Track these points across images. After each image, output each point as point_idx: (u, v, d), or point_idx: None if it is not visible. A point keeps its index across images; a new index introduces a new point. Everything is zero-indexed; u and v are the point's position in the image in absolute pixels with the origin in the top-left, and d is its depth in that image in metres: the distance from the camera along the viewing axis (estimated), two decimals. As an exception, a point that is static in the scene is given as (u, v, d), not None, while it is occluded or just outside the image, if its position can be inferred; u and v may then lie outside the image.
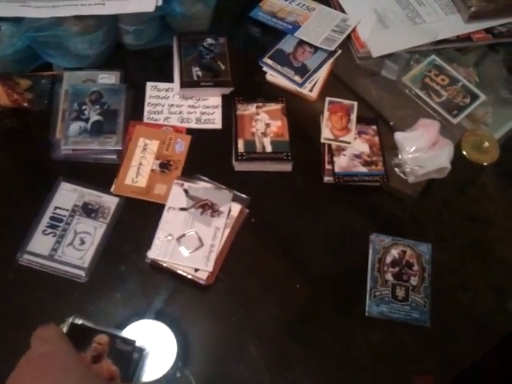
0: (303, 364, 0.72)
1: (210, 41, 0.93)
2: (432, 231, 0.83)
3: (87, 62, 0.88)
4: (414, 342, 0.74)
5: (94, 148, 0.81)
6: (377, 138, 0.87)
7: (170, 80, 0.91)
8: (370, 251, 0.78)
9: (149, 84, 0.90)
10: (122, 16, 0.85)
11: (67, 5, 0.83)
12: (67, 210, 0.77)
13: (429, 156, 0.85)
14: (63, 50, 0.85)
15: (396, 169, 0.86)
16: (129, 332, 0.69)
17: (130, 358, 0.66)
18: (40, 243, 0.75)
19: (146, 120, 0.87)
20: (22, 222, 0.76)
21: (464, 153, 0.89)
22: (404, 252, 0.78)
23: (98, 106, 0.84)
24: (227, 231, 0.77)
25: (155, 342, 0.69)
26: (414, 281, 0.76)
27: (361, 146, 0.87)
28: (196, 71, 0.90)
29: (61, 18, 0.82)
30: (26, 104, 0.84)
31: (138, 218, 0.79)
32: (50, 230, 0.76)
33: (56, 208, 0.77)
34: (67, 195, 0.78)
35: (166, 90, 0.90)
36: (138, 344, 0.67)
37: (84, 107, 0.84)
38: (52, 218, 0.76)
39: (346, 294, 0.77)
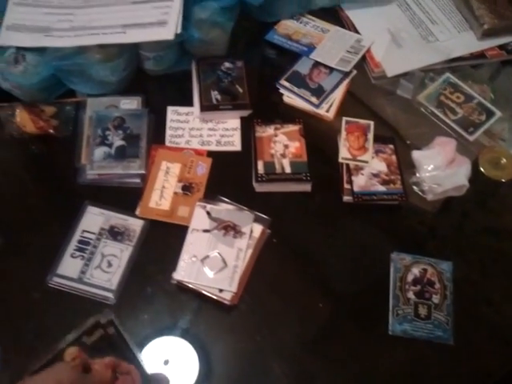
0: (326, 381, 0.73)
1: (227, 65, 0.95)
2: (453, 246, 0.84)
3: (110, 88, 0.91)
4: (438, 359, 0.75)
5: (118, 172, 0.84)
6: (394, 157, 0.89)
7: (190, 104, 0.93)
8: (392, 270, 0.79)
9: (169, 108, 0.92)
10: (142, 43, 0.88)
11: (89, 34, 0.86)
12: (94, 234, 0.79)
13: (446, 174, 0.86)
14: (86, 78, 0.88)
15: (414, 187, 0.87)
16: (152, 348, 0.70)
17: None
18: (69, 266, 0.77)
19: (167, 143, 0.89)
20: (50, 246, 0.79)
21: (482, 169, 0.90)
22: (425, 270, 0.79)
23: (121, 131, 0.86)
24: (250, 252, 0.79)
25: (178, 359, 0.70)
26: (435, 299, 0.77)
27: (378, 164, 0.88)
28: (215, 95, 0.92)
29: (83, 46, 0.85)
30: (51, 130, 0.87)
31: (163, 240, 0.81)
32: (78, 253, 0.78)
33: (83, 231, 0.79)
34: (94, 219, 0.81)
35: (187, 114, 0.92)
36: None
37: (107, 132, 0.86)
38: (80, 242, 0.79)
39: (367, 311, 0.78)
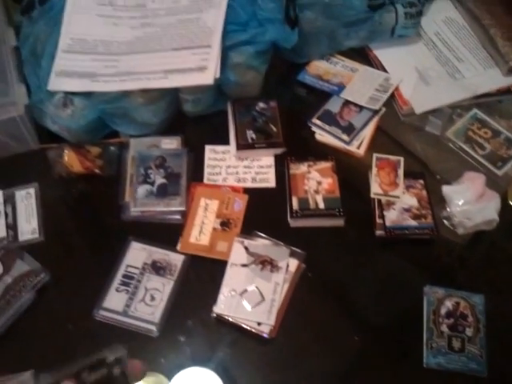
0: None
1: (261, 105, 1.00)
2: (484, 279, 0.86)
3: (151, 129, 0.96)
4: (473, 392, 0.76)
5: (160, 209, 0.88)
6: (424, 192, 0.91)
7: (227, 142, 0.97)
8: (425, 303, 0.81)
9: (207, 147, 0.97)
10: (182, 87, 0.93)
11: (133, 79, 0.91)
12: (138, 268, 0.84)
13: (476, 208, 0.88)
14: (130, 119, 0.93)
15: (445, 221, 0.90)
16: (182, 377, 0.72)
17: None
18: (114, 300, 0.81)
19: (206, 181, 0.93)
20: (96, 280, 0.83)
21: (511, 203, 0.92)
22: (458, 304, 0.81)
23: (162, 170, 0.91)
24: (286, 286, 0.82)
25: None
26: (469, 332, 0.79)
27: (409, 199, 0.91)
28: (250, 134, 0.96)
29: (127, 90, 0.90)
30: (97, 170, 0.92)
31: (203, 275, 0.84)
32: (122, 288, 0.82)
33: (128, 266, 0.84)
34: (137, 254, 0.85)
35: (223, 153, 0.96)
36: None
37: (150, 171, 0.91)
38: (124, 276, 0.83)
39: (401, 344, 0.81)
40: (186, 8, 0.95)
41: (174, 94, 0.94)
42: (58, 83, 0.91)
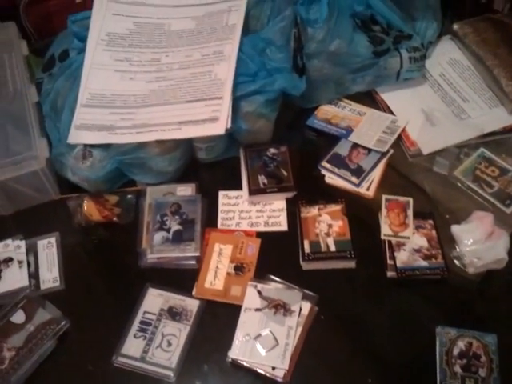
0: None
1: (272, 150, 1.03)
2: (496, 318, 0.87)
3: (167, 177, 1.00)
4: (488, 434, 0.76)
5: (175, 255, 0.91)
6: (434, 232, 0.93)
7: (239, 187, 1.01)
8: (437, 344, 0.82)
9: (221, 193, 1.00)
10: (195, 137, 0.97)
11: (149, 131, 0.95)
12: (155, 314, 0.86)
13: (486, 247, 0.89)
14: (146, 169, 0.98)
15: (455, 261, 0.91)
16: None
17: None
18: (132, 346, 0.83)
19: (219, 226, 0.96)
20: (114, 326, 0.85)
21: (520, 241, 0.93)
22: (470, 344, 0.82)
23: (177, 217, 0.94)
24: (299, 329, 0.83)
25: None
26: (482, 372, 0.79)
27: (419, 240, 0.92)
28: (262, 179, 0.99)
29: (144, 142, 0.95)
30: (115, 218, 0.96)
31: (218, 319, 0.86)
32: (140, 334, 0.84)
33: (145, 312, 0.86)
34: (154, 300, 0.87)
35: (236, 198, 1.00)
36: None
37: (165, 218, 0.94)
38: (142, 322, 0.85)
39: (416, 385, 0.81)
40: (198, 62, 1.00)
41: (187, 143, 0.98)
42: (77, 136, 0.96)
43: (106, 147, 0.96)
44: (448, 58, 1.17)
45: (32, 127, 0.98)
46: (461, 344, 0.82)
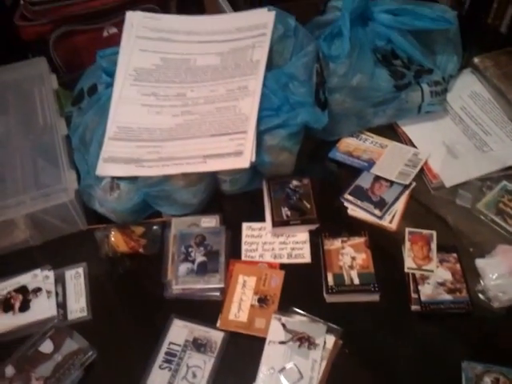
0: None
1: (295, 183, 1.05)
2: (524, 354, 0.86)
3: (191, 209, 1.01)
4: None
5: (200, 287, 0.92)
6: (458, 266, 0.93)
7: (262, 219, 1.02)
8: (463, 379, 0.82)
9: (244, 224, 1.01)
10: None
11: (175, 164, 0.97)
12: (180, 345, 0.87)
13: (511, 282, 0.89)
14: (171, 201, 0.99)
15: (480, 295, 0.91)
16: None
17: None
18: (157, 377, 0.84)
19: (243, 258, 0.97)
20: (140, 357, 0.86)
21: (546, 275, 0.93)
22: (497, 380, 0.81)
23: (202, 248, 0.96)
24: (324, 363, 0.84)
25: None
26: (510, 409, 0.79)
27: (444, 273, 0.92)
28: (285, 211, 1.01)
29: (169, 174, 0.97)
30: (141, 250, 0.98)
31: (242, 351, 0.87)
32: (165, 365, 0.85)
33: (170, 343, 0.87)
34: (179, 331, 0.88)
35: (260, 229, 1.01)
36: None
37: (190, 249, 0.96)
38: (167, 353, 0.86)
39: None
40: (222, 97, 1.03)
41: (212, 175, 1.00)
42: (105, 169, 0.98)
43: (133, 180, 0.98)
44: (469, 92, 1.19)
45: (61, 159, 1.01)
46: (487, 380, 0.81)
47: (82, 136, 1.04)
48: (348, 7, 1.06)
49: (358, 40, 1.07)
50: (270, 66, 1.06)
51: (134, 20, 1.14)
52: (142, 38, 1.12)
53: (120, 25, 1.23)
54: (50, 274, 0.95)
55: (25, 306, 0.91)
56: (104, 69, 1.09)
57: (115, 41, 1.17)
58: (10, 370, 0.83)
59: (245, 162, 0.95)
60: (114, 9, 1.30)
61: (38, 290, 0.93)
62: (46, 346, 0.86)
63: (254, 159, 0.95)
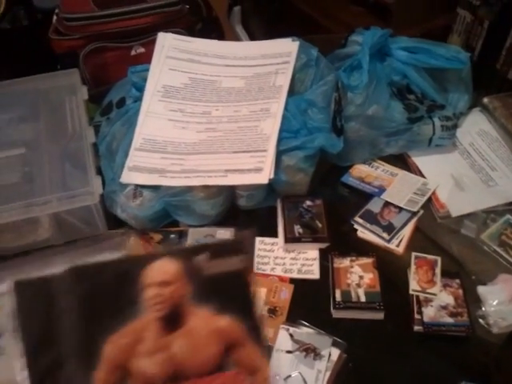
0: None
1: (308, 202, 1.10)
2: (520, 380, 0.89)
3: (208, 220, 1.06)
4: None
5: (213, 294, 0.96)
6: (461, 291, 0.97)
7: (275, 235, 1.07)
8: (461, 399, 0.85)
9: (257, 239, 1.06)
10: (239, 184, 1.04)
11: (196, 176, 1.02)
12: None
13: (510, 309, 0.93)
14: (190, 211, 1.04)
15: (480, 320, 0.94)
16: None
17: None
18: None
19: (255, 270, 1.01)
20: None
21: (544, 306, 0.97)
22: (493, 401, 0.84)
23: (216, 258, 1.00)
24: (328, 374, 0.87)
25: None
26: (505, 431, 0.81)
27: (446, 297, 0.96)
28: (297, 228, 1.05)
29: (190, 186, 1.02)
30: (158, 255, 1.02)
31: (250, 358, 0.90)
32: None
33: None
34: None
35: (272, 244, 1.05)
36: None
37: (205, 259, 1.00)
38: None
39: None
40: (245, 117, 1.09)
41: (230, 190, 1.05)
42: (130, 177, 1.04)
43: (155, 188, 1.03)
44: (478, 129, 1.24)
45: (89, 165, 1.06)
46: (484, 401, 0.84)
47: (108, 144, 1.10)
48: (368, 42, 1.13)
49: (376, 73, 1.13)
50: (292, 92, 1.12)
51: (165, 41, 1.21)
52: (171, 58, 1.19)
53: (148, 45, 1.31)
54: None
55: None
56: (134, 83, 1.16)
57: (142, 60, 1.24)
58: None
59: (264, 178, 1.00)
60: (144, 30, 1.36)
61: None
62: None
63: (272, 176, 1.00)
